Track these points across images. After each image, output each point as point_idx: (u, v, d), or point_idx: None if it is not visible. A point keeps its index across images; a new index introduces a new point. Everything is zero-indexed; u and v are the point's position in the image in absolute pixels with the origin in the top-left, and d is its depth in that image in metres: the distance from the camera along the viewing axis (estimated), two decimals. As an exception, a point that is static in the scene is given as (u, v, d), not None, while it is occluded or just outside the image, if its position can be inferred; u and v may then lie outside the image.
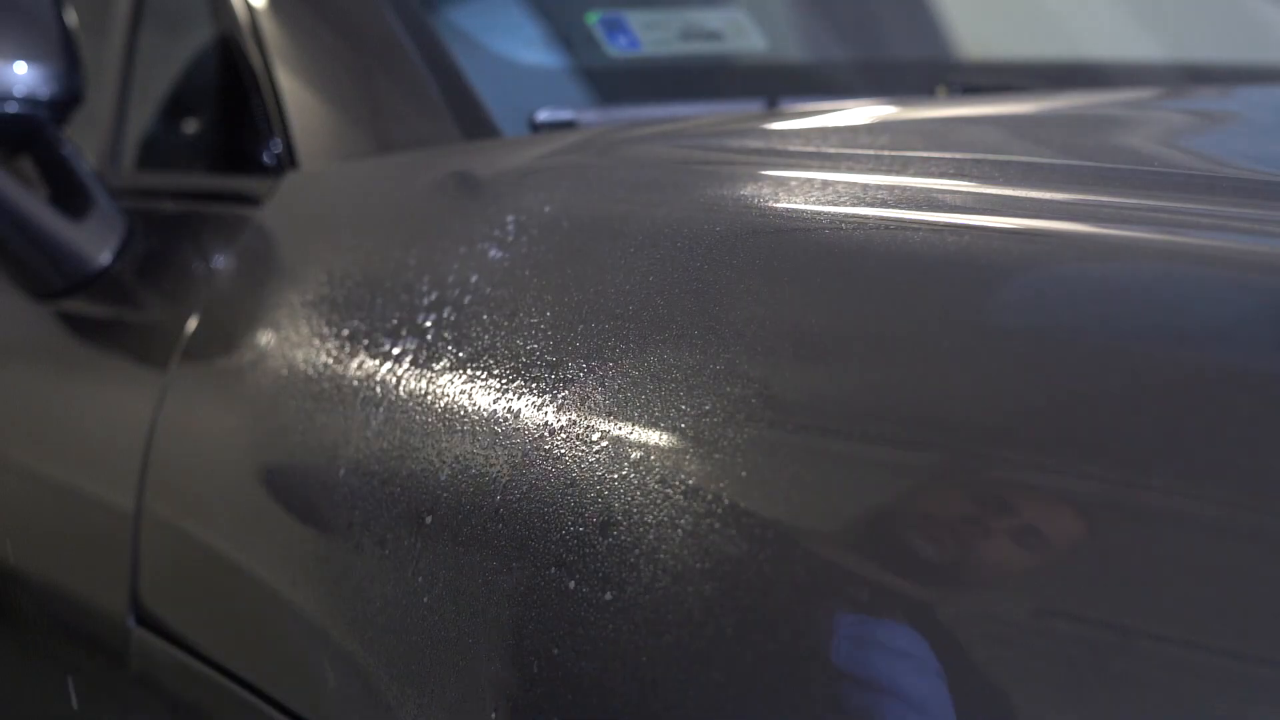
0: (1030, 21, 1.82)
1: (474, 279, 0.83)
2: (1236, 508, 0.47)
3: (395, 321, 0.85)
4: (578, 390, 0.70)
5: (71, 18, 1.23)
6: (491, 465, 0.72)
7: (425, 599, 0.72)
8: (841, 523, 0.56)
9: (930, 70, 1.58)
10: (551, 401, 0.71)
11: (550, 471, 0.69)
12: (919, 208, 0.67)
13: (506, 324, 0.77)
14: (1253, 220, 0.63)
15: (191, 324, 1.08)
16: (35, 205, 1.22)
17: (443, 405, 0.76)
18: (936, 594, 0.52)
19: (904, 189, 0.70)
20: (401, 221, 0.94)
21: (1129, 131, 1.06)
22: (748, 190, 0.75)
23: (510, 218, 0.88)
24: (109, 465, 1.07)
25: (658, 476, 0.63)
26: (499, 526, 0.71)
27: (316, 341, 0.90)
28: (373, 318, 0.87)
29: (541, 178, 0.94)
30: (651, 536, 0.62)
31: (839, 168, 0.77)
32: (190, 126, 1.46)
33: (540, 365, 0.73)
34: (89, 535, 1.12)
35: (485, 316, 0.79)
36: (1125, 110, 1.17)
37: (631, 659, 0.61)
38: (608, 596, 0.63)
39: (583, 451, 0.67)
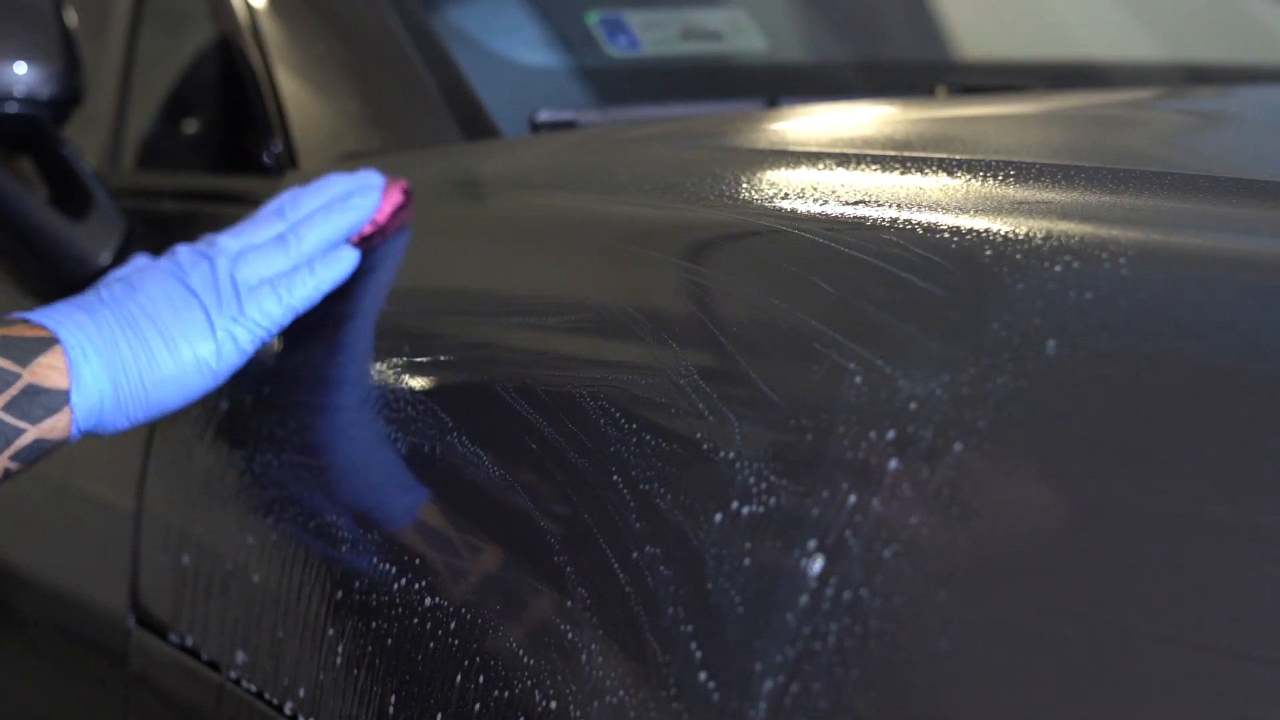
0: (1030, 22, 1.82)
1: (472, 278, 0.83)
2: (1236, 508, 0.47)
3: (394, 320, 0.85)
4: (576, 389, 0.70)
5: (71, 18, 1.23)
6: (488, 460, 0.72)
7: (426, 600, 0.73)
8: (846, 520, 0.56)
9: (930, 70, 1.58)
10: (550, 400, 0.71)
11: (551, 467, 0.69)
12: (918, 208, 0.67)
13: (504, 322, 0.77)
14: (1253, 220, 0.63)
15: (191, 324, 1.08)
16: (35, 205, 1.22)
17: (441, 402, 0.76)
18: (937, 595, 0.52)
19: (903, 189, 0.70)
20: (401, 221, 0.93)
21: (1129, 131, 1.06)
22: (747, 190, 0.75)
23: (510, 218, 0.88)
24: (109, 465, 1.07)
25: (650, 474, 0.63)
26: (498, 522, 0.71)
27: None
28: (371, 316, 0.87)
29: (541, 178, 0.94)
30: (635, 533, 0.62)
31: (839, 167, 0.77)
32: (190, 126, 1.46)
33: (539, 364, 0.73)
34: (89, 535, 1.12)
35: (483, 314, 0.80)
36: (1125, 110, 1.17)
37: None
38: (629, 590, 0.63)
39: (580, 447, 0.67)
